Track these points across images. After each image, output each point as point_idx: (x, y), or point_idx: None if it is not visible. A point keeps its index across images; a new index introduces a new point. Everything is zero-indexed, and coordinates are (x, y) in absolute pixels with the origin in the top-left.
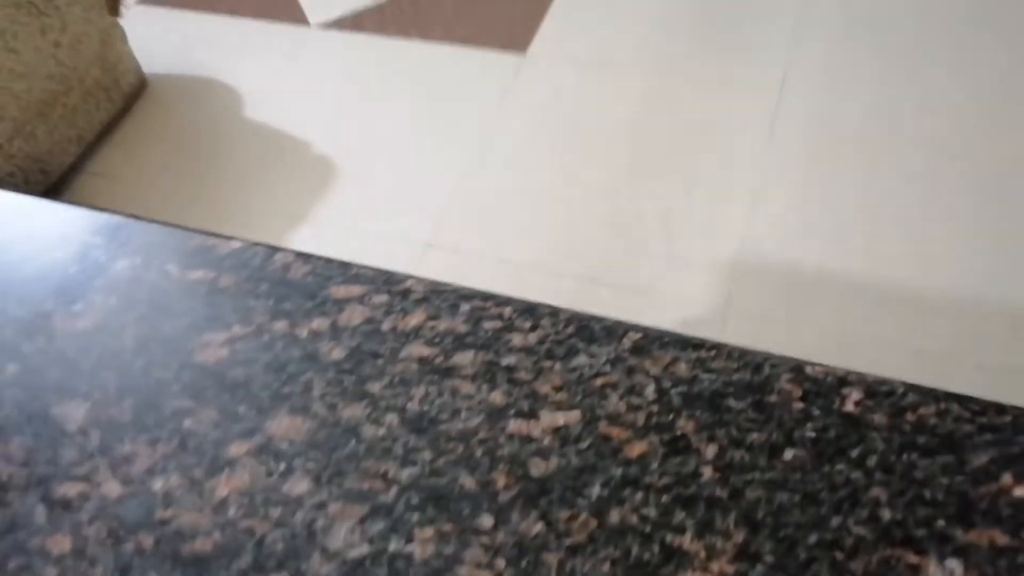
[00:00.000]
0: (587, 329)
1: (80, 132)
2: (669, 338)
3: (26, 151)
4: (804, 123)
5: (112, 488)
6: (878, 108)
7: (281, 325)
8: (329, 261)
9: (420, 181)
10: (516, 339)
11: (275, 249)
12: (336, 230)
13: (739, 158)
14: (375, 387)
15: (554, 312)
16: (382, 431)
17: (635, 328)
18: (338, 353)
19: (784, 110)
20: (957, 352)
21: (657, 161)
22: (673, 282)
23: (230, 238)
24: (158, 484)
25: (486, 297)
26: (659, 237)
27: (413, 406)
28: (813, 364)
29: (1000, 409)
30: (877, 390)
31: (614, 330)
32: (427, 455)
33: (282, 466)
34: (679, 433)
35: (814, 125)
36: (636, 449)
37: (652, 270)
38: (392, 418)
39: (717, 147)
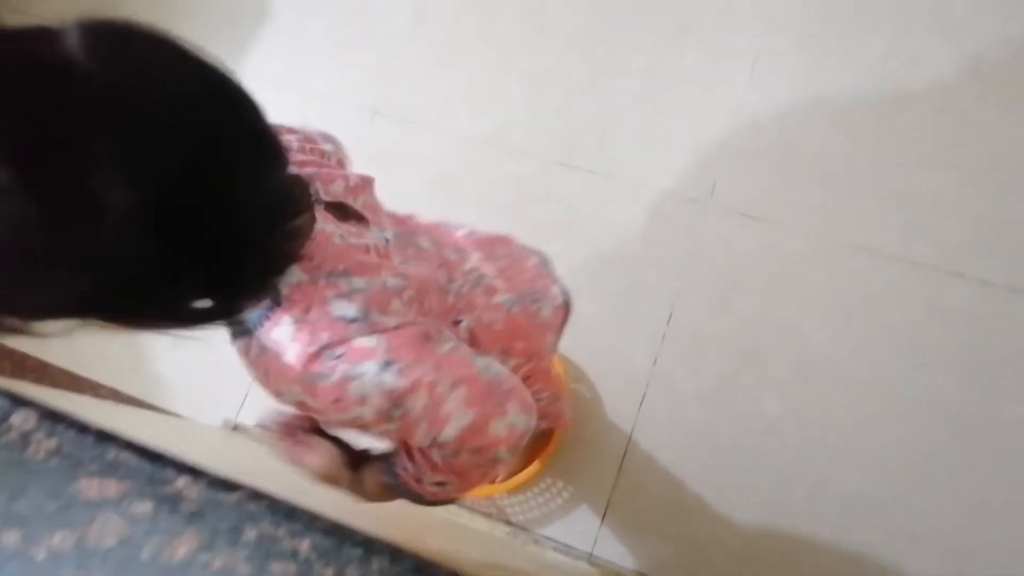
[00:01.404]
0: None
1: None
2: None
3: None
4: None
5: None
6: None
7: (13, 538)
8: (81, 432)
9: (361, 39)
10: None
11: (15, 403)
12: (277, 88)
13: (740, 4)
14: None
15: (366, 554)
16: None
17: None
18: None
19: None
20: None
21: (642, 7)
22: (652, 166)
23: None
24: None
25: (278, 518)
26: (639, 108)
27: None
28: None
29: None
30: None
31: None
32: None
33: None
34: None
35: None
36: None
37: (629, 149)
38: None
39: None
